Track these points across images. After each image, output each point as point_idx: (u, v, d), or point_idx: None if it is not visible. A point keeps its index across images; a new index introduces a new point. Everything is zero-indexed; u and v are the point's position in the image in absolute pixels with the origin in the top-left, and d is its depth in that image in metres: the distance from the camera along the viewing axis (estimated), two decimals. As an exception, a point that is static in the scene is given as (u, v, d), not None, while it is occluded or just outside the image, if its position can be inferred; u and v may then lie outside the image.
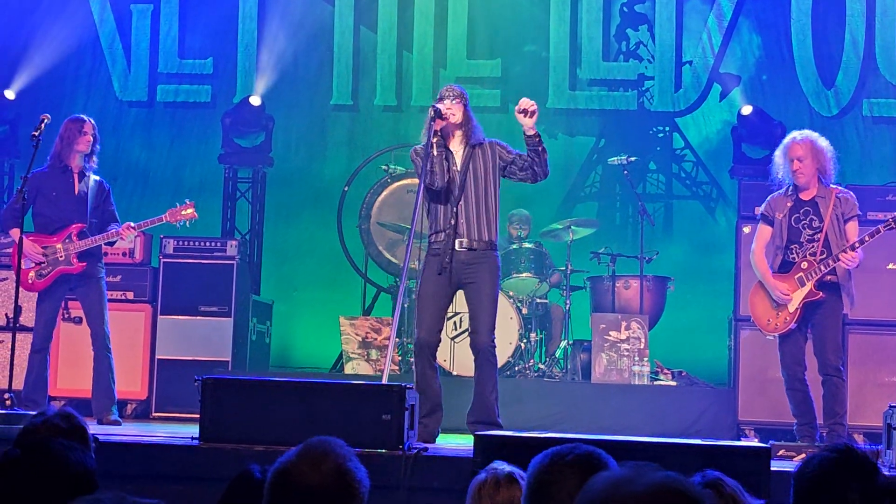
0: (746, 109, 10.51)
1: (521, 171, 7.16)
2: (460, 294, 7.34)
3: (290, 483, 2.61)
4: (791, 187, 7.58)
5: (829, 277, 7.44)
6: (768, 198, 7.70)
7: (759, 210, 7.77)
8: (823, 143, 7.57)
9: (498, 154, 7.18)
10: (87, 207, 8.37)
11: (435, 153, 7.01)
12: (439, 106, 7.07)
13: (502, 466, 3.62)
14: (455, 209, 7.08)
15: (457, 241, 7.07)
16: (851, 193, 7.61)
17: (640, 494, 1.99)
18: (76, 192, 8.35)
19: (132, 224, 8.32)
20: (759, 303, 7.68)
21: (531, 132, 6.99)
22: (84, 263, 8.28)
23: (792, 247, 7.54)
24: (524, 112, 6.94)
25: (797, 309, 7.48)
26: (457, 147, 7.18)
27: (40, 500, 2.74)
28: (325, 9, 12.07)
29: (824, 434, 7.49)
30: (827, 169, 7.53)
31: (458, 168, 7.13)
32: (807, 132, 7.68)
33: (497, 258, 7.19)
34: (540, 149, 7.04)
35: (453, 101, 7.11)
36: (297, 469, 2.62)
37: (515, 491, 3.53)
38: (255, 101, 11.18)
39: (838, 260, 7.35)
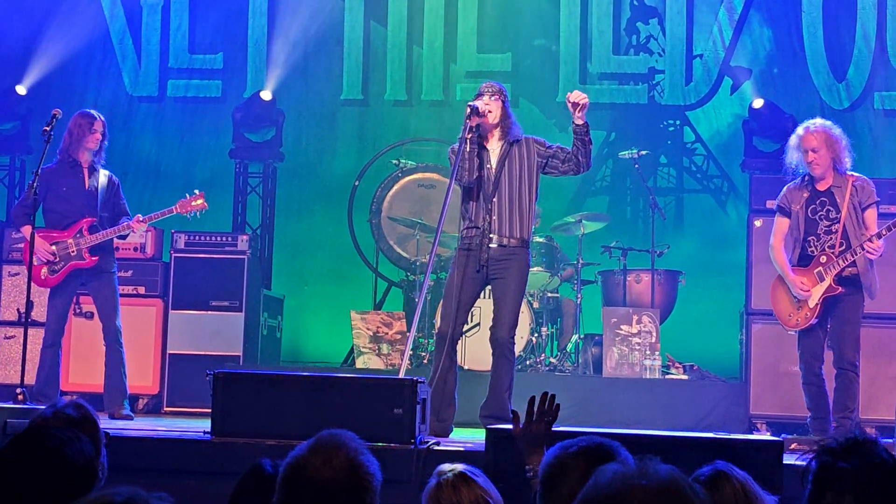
0: (757, 103, 10.46)
1: (563, 164, 7.14)
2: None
3: (303, 477, 2.60)
4: (806, 177, 7.52)
5: (848, 271, 7.38)
6: (783, 189, 7.64)
7: (775, 202, 7.70)
8: (837, 131, 7.51)
9: (535, 151, 7.16)
10: (98, 202, 8.37)
11: (467, 149, 7.01)
12: (476, 103, 7.07)
13: (449, 468, 3.57)
14: (489, 206, 7.07)
15: (489, 238, 7.07)
16: (868, 180, 7.54)
17: (651, 489, 1.98)
18: (86, 186, 8.35)
19: (142, 216, 8.32)
20: (781, 298, 7.61)
21: (580, 122, 6.99)
22: (96, 258, 8.28)
23: (809, 239, 7.48)
24: (574, 105, 6.94)
25: (817, 304, 7.43)
26: (494, 144, 7.17)
27: (36, 495, 2.73)
28: (335, 3, 12.05)
29: (835, 427, 7.47)
30: (842, 158, 7.47)
31: (494, 165, 7.10)
32: (819, 121, 7.62)
33: (528, 256, 7.18)
34: (587, 139, 7.03)
35: (491, 98, 7.11)
36: (308, 463, 2.61)
37: (463, 491, 3.49)
38: (266, 95, 11.16)
39: (864, 250, 7.30)
